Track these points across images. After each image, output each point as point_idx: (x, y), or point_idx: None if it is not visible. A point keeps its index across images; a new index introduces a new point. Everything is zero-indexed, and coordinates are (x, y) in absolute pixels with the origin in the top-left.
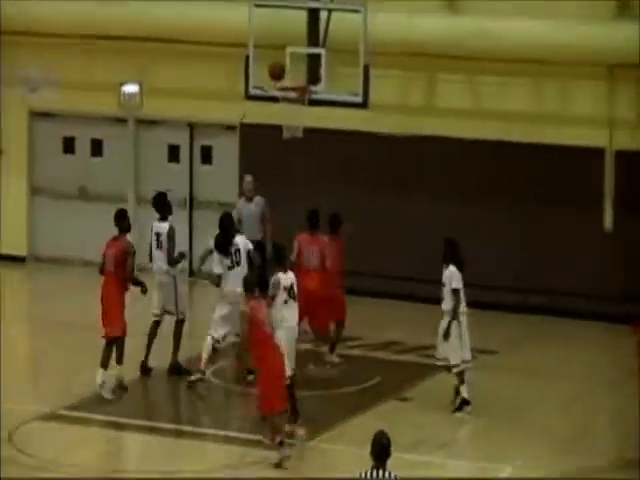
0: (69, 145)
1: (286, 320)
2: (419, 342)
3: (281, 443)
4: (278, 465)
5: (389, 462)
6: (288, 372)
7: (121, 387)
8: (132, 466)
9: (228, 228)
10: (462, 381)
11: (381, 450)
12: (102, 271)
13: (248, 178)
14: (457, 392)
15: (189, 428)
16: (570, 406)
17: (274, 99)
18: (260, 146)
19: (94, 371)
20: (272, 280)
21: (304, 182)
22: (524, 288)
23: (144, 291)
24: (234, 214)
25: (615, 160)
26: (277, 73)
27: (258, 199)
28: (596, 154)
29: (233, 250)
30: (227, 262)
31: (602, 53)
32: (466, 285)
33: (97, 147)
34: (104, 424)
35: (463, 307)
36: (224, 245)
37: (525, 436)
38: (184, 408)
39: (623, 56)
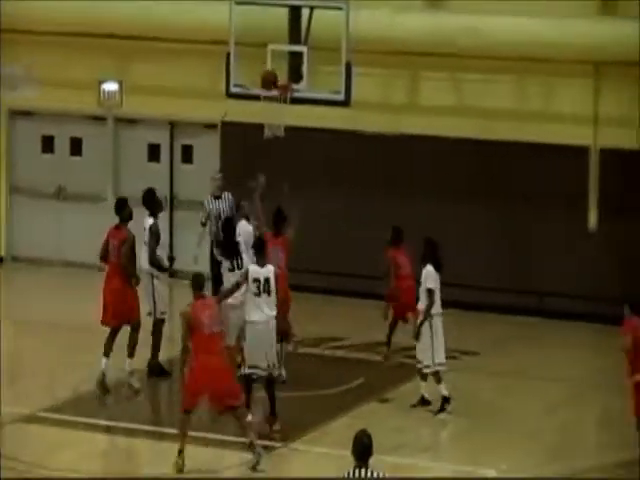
0: (48, 144)
1: (251, 314)
2: (403, 343)
3: (251, 444)
4: (254, 468)
5: (371, 462)
6: (245, 370)
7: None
8: (115, 468)
9: (229, 232)
10: (439, 380)
11: (363, 449)
12: (104, 259)
13: (216, 175)
14: (422, 399)
15: (170, 430)
16: (555, 408)
17: (255, 97)
18: (241, 145)
19: (75, 372)
20: (242, 269)
21: (286, 180)
22: (508, 288)
23: (136, 283)
24: (202, 212)
25: (600, 158)
26: (270, 81)
27: (226, 195)
28: (581, 152)
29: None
30: (227, 265)
31: (587, 51)
32: (450, 285)
33: (76, 146)
34: (86, 426)
35: (438, 308)
36: (226, 248)
37: (509, 439)
38: (165, 410)
39: (608, 53)
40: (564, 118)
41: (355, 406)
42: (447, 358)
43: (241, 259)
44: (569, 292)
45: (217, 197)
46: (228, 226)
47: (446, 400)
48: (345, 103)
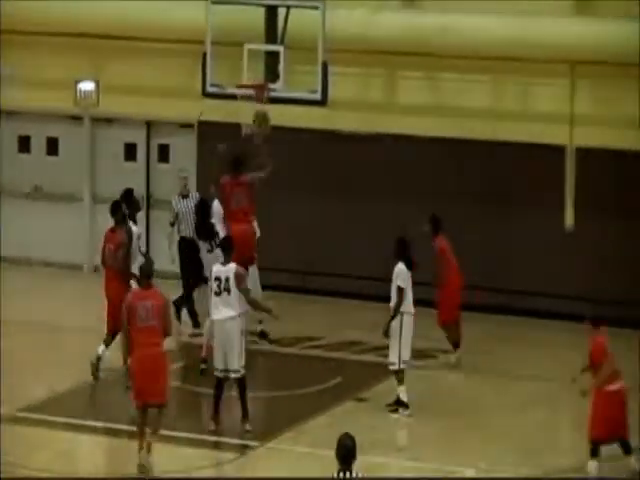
0: (24, 144)
1: (212, 314)
2: (379, 342)
3: (149, 448)
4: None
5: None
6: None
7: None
8: (90, 468)
9: (204, 214)
10: (400, 381)
11: (346, 452)
12: (105, 263)
13: (183, 174)
14: (397, 400)
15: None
16: (534, 407)
17: (232, 97)
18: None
19: (53, 372)
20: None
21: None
22: (485, 287)
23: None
24: (170, 212)
25: (576, 157)
26: (260, 120)
27: (194, 194)
28: (557, 151)
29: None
30: (206, 246)
31: (563, 50)
32: (428, 285)
33: (53, 146)
34: (62, 426)
35: (409, 307)
36: (203, 230)
37: (488, 437)
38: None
39: (584, 53)
40: (541, 117)
41: (332, 406)
42: (426, 357)
43: (219, 239)
44: (547, 291)
45: (185, 196)
46: (203, 208)
47: (400, 404)
48: (322, 102)
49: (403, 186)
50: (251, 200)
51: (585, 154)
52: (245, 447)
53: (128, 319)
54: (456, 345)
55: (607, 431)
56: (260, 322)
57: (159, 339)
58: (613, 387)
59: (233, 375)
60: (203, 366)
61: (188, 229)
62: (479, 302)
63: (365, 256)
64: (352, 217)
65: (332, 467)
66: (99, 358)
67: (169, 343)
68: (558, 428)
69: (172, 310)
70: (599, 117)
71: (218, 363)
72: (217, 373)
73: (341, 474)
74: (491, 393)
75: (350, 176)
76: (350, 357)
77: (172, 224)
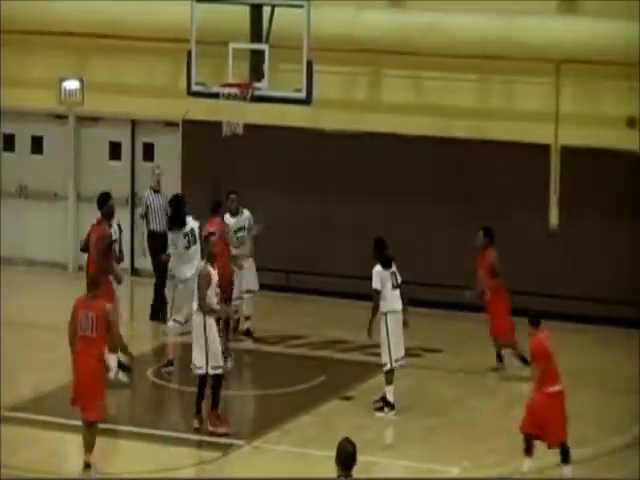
0: (9, 142)
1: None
2: (364, 341)
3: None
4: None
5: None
6: None
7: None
8: (76, 467)
9: (179, 208)
10: (389, 382)
11: (346, 457)
12: (84, 250)
13: (156, 170)
14: (382, 398)
15: (131, 429)
16: (518, 406)
17: (216, 96)
18: (203, 143)
19: (35, 371)
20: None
21: (247, 179)
22: (471, 287)
23: (118, 281)
24: (141, 206)
25: (561, 156)
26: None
27: (164, 191)
28: (542, 150)
29: (187, 230)
30: (184, 242)
31: (548, 49)
32: (413, 283)
33: (37, 144)
34: (46, 425)
35: (391, 306)
36: (177, 223)
37: (472, 436)
38: (123, 407)
39: (569, 52)
40: (525, 116)
41: (317, 404)
42: (411, 355)
43: (194, 234)
44: (531, 290)
45: (156, 191)
46: (177, 201)
47: (387, 403)
48: (306, 101)
49: (387, 185)
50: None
51: (569, 153)
52: (230, 446)
53: (73, 326)
54: (524, 358)
55: (540, 429)
56: (247, 319)
57: (96, 351)
58: (553, 389)
59: (212, 371)
60: (170, 369)
61: (157, 223)
62: (465, 301)
63: (349, 255)
64: (336, 216)
65: (317, 466)
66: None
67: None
68: None
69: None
70: (584, 116)
71: (195, 360)
72: (195, 370)
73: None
74: (477, 392)
75: (334, 175)
76: (335, 356)
77: (142, 217)
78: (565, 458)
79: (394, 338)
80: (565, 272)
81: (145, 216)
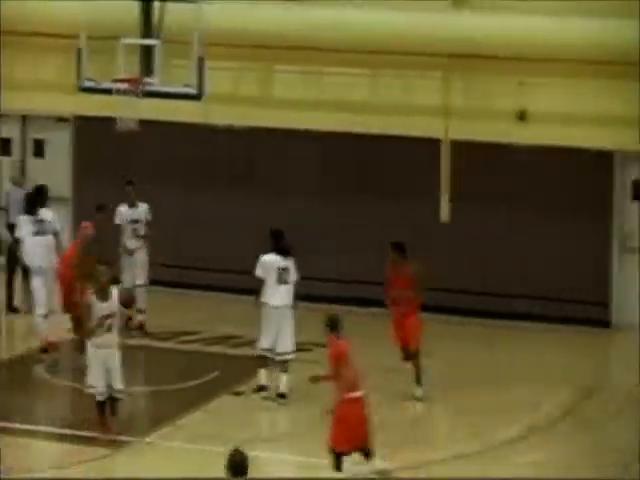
0: None
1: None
2: (255, 336)
3: None
4: None
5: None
6: None
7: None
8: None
9: (36, 196)
10: (282, 371)
11: (236, 466)
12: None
13: (16, 164)
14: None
15: (15, 425)
16: (408, 399)
17: (107, 91)
18: (94, 139)
19: None
20: None
21: (141, 175)
22: (377, 282)
23: None
24: (3, 199)
25: (452, 150)
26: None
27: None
28: (433, 144)
29: (40, 218)
30: (33, 228)
31: (439, 43)
32: (310, 279)
33: None
34: None
35: (269, 297)
36: (30, 210)
37: None
38: (11, 404)
39: (460, 46)
40: (417, 110)
41: (209, 400)
42: (303, 350)
43: (45, 226)
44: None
45: (17, 184)
46: (36, 190)
47: (262, 388)
48: (198, 97)
49: (279, 180)
50: None
51: (459, 147)
52: (121, 443)
53: None
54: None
55: (348, 441)
56: (140, 312)
57: None
58: (353, 395)
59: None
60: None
61: (15, 216)
62: (363, 295)
63: (241, 250)
64: (228, 211)
65: (209, 462)
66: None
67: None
68: (434, 421)
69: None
70: (473, 109)
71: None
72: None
73: None
74: (366, 387)
75: (226, 170)
76: (227, 351)
77: (2, 208)
78: (367, 454)
79: (265, 328)
80: (457, 265)
81: (5, 208)
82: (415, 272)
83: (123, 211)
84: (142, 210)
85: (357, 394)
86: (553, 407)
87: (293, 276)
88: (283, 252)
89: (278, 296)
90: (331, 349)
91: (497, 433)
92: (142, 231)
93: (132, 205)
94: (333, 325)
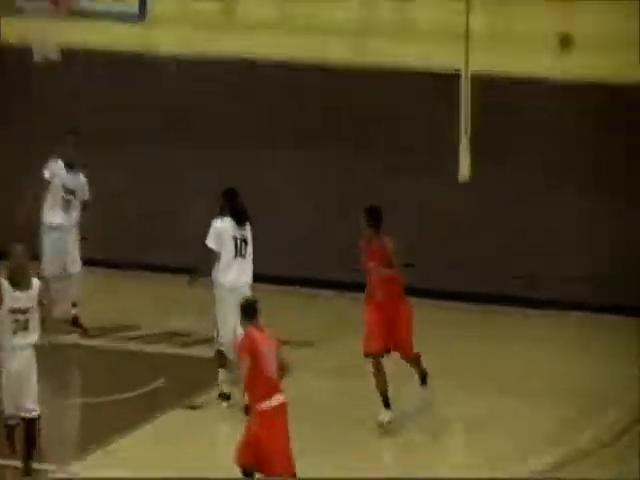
0: None
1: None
2: (210, 332)
3: None
4: None
5: None
6: None
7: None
8: None
9: None
10: (221, 366)
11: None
12: None
13: None
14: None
15: None
16: (375, 399)
17: (21, 11)
18: (7, 71)
19: None
20: None
21: (62, 119)
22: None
23: None
24: None
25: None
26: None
27: None
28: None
29: None
30: None
31: None
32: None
33: None
34: None
35: (222, 276)
36: None
37: (330, 432)
38: None
39: None
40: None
41: (154, 415)
42: None
43: None
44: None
45: None
46: None
47: (223, 396)
48: (139, 17)
49: (242, 121)
50: None
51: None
52: (38, 472)
53: None
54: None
55: (253, 456)
56: (73, 305)
57: None
58: (264, 406)
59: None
60: None
61: None
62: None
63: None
64: (171, 166)
65: None
66: None
67: None
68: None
69: None
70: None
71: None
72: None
73: None
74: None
75: (174, 114)
76: (176, 351)
77: None
78: None
79: (220, 316)
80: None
81: None
82: (392, 246)
83: (58, 171)
84: (80, 181)
85: (271, 403)
86: None
87: (251, 248)
88: (239, 217)
89: (235, 273)
90: (240, 339)
91: None
92: (77, 206)
93: (71, 166)
94: (247, 312)
